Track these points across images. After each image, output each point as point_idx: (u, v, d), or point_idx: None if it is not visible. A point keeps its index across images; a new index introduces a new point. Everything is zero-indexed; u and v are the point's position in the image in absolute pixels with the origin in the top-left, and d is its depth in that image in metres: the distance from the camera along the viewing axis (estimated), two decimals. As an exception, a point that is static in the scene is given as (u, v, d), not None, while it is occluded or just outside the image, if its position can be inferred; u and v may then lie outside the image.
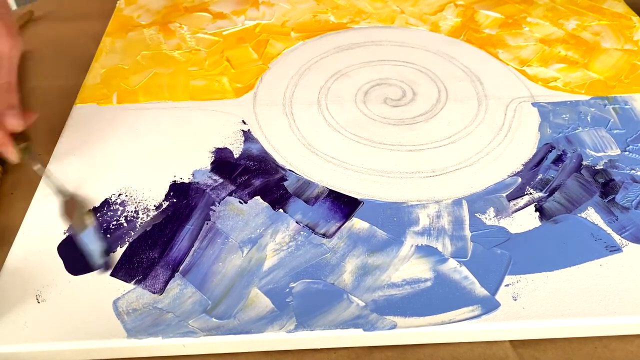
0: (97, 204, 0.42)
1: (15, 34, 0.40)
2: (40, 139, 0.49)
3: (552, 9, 0.65)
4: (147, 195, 0.43)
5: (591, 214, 0.41)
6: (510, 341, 0.35)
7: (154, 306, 0.36)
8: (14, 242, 0.40)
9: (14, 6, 0.74)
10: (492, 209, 0.41)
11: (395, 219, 0.41)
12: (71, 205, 0.41)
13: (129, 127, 0.49)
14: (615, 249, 0.39)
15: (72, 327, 0.35)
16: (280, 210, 0.41)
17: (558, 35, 0.61)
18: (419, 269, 0.37)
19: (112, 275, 0.37)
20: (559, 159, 0.46)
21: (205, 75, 0.55)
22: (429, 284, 0.37)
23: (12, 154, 0.41)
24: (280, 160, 0.46)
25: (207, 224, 0.41)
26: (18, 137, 0.41)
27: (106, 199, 0.42)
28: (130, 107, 0.51)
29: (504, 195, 0.42)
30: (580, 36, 0.61)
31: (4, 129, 0.40)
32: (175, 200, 0.42)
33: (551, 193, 0.43)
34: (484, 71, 0.56)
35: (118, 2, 0.68)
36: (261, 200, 0.42)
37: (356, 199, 0.42)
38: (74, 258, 0.38)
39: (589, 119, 0.50)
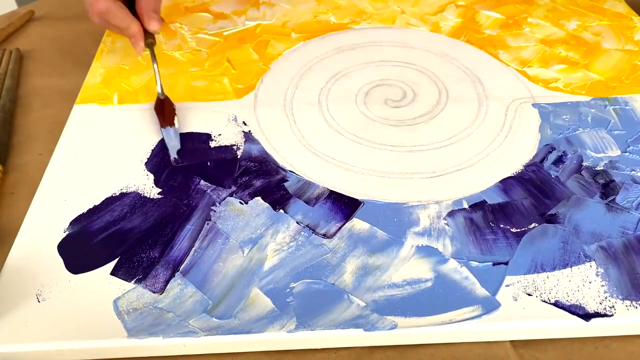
0: (98, 203, 0.42)
1: None
2: (40, 139, 0.49)
3: (552, 9, 0.66)
4: (148, 191, 0.43)
5: (592, 215, 0.41)
6: (511, 341, 0.35)
7: (155, 306, 0.36)
8: (14, 241, 0.40)
9: (14, 6, 0.74)
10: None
11: (395, 220, 0.41)
12: (162, 103, 0.50)
13: (129, 127, 0.49)
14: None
15: (72, 326, 0.35)
16: (281, 210, 0.42)
17: (559, 35, 0.61)
18: (420, 270, 0.37)
19: (112, 274, 0.37)
20: (559, 160, 0.46)
21: (206, 76, 0.55)
22: (429, 284, 0.37)
23: (140, 48, 0.50)
24: (281, 161, 0.46)
25: (207, 224, 0.41)
26: (147, 35, 0.50)
27: (107, 197, 0.42)
28: (131, 107, 0.51)
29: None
30: (581, 37, 0.61)
31: (142, 25, 0.49)
32: (174, 199, 0.42)
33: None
34: (485, 72, 0.56)
35: (119, 2, 0.68)
36: (262, 201, 0.42)
37: (357, 200, 0.42)
38: (74, 257, 0.38)
39: (589, 120, 0.50)
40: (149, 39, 0.51)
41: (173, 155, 0.46)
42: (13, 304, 0.36)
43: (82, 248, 0.39)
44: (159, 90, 0.50)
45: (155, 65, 0.50)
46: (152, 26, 0.50)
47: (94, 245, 0.39)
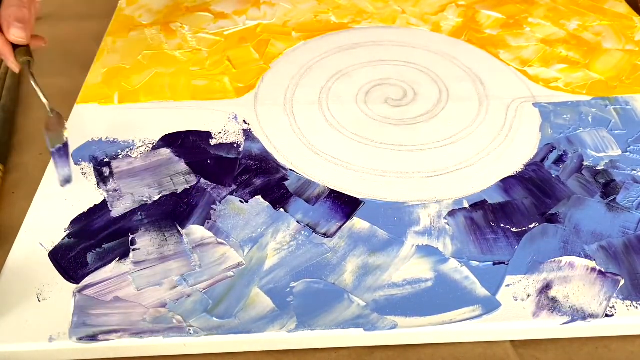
0: (98, 202, 0.42)
1: None
2: (41, 139, 0.49)
3: (553, 9, 0.65)
4: (148, 190, 0.43)
5: (592, 215, 0.41)
6: (511, 341, 0.35)
7: (155, 305, 0.36)
8: (15, 241, 0.40)
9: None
10: None
11: (396, 219, 0.41)
12: (54, 121, 0.44)
13: (130, 126, 0.49)
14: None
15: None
16: (281, 209, 0.42)
17: (559, 35, 0.61)
18: (420, 269, 0.37)
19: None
20: (559, 160, 0.46)
21: (207, 75, 0.55)
22: (429, 284, 0.37)
23: (13, 64, 0.44)
24: (281, 159, 0.46)
25: (208, 223, 0.41)
26: (20, 52, 0.44)
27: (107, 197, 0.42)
28: (132, 106, 0.51)
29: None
30: (582, 36, 0.61)
31: (5, 37, 0.43)
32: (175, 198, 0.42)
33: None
34: (485, 71, 0.56)
35: (119, 1, 0.68)
36: (262, 200, 0.42)
37: (357, 199, 0.42)
38: (68, 265, 0.38)
39: (590, 120, 0.50)
40: (25, 56, 0.44)
41: (61, 176, 0.42)
42: (13, 303, 0.36)
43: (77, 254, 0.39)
44: (48, 109, 0.44)
45: (34, 84, 0.44)
46: (12, 34, 0.43)
47: (95, 245, 0.39)
